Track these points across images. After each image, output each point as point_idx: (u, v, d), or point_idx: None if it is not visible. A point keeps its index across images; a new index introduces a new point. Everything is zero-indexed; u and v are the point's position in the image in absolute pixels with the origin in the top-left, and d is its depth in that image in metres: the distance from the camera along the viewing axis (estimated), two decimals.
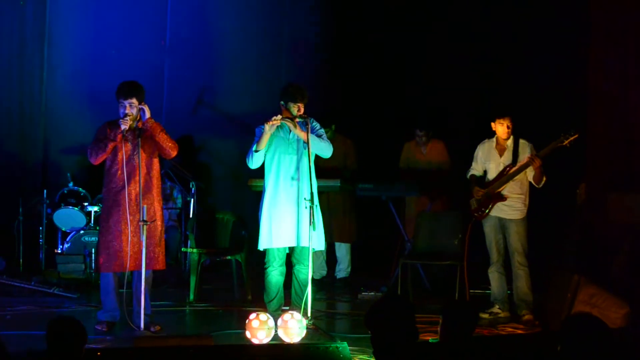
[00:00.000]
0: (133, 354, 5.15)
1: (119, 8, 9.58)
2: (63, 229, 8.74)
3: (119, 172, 6.20)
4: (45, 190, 8.77)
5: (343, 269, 8.78)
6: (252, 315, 5.80)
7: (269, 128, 6.36)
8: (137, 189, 6.19)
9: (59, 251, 8.66)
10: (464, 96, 9.34)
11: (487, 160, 7.11)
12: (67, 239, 8.67)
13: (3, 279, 7.96)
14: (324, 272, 8.81)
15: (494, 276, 7.08)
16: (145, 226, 6.06)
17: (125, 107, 6.16)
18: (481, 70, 9.27)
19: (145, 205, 6.10)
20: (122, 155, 6.20)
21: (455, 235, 7.67)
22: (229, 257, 7.85)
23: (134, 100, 6.18)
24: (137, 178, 6.19)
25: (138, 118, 6.24)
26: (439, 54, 9.53)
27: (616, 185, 7.80)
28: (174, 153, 6.36)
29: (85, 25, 9.55)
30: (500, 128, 6.98)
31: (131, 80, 6.30)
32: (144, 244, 6.08)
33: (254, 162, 6.49)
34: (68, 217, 8.68)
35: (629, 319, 6.26)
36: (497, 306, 7.06)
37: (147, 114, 6.21)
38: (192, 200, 8.79)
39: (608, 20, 7.89)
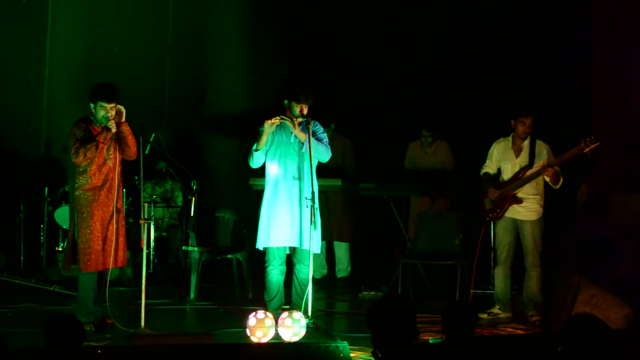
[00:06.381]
0: (133, 352, 5.16)
1: (121, 6, 9.58)
2: (64, 227, 8.74)
3: (97, 172, 6.22)
4: (46, 188, 8.79)
5: (343, 268, 8.78)
6: (252, 314, 5.80)
7: (268, 127, 6.34)
8: (114, 187, 6.24)
9: (60, 249, 8.67)
10: (467, 97, 9.32)
11: (503, 160, 7.00)
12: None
13: (4, 276, 7.96)
14: (325, 271, 8.80)
15: (500, 277, 6.97)
16: (146, 224, 6.08)
17: (107, 110, 6.19)
18: (485, 72, 9.25)
19: (146, 204, 6.11)
20: (102, 155, 6.21)
21: (456, 235, 7.65)
22: (229, 256, 7.85)
23: (114, 104, 6.23)
24: (113, 177, 6.25)
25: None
26: (445, 54, 9.52)
27: (618, 186, 7.80)
28: (135, 157, 6.39)
29: (88, 24, 9.55)
30: (521, 127, 6.83)
31: (107, 83, 6.33)
32: (144, 241, 6.11)
33: (254, 162, 6.47)
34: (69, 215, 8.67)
35: (630, 320, 6.24)
36: (498, 307, 7.00)
37: (124, 116, 6.26)
38: (193, 198, 8.78)
39: (611, 26, 7.91)
